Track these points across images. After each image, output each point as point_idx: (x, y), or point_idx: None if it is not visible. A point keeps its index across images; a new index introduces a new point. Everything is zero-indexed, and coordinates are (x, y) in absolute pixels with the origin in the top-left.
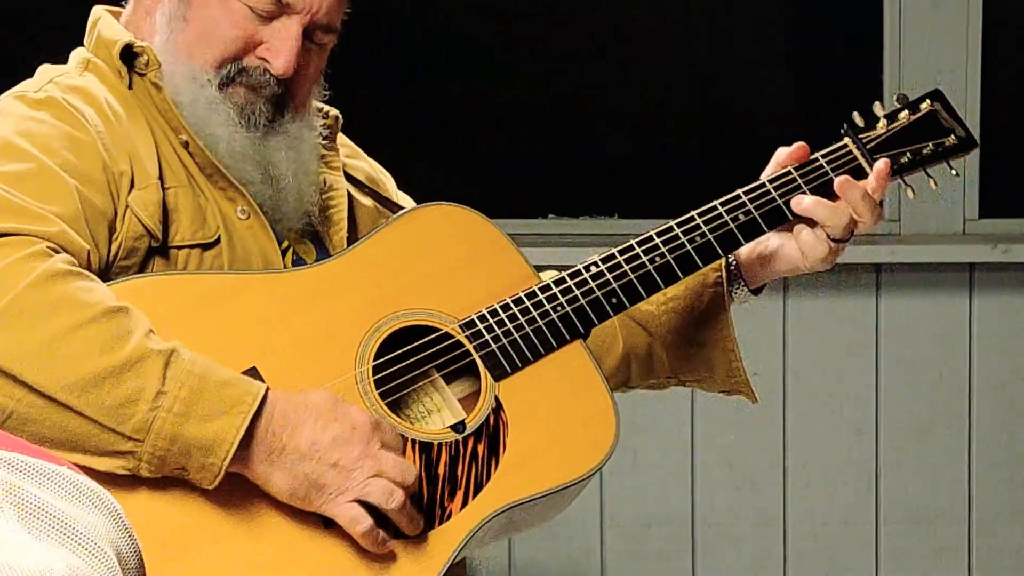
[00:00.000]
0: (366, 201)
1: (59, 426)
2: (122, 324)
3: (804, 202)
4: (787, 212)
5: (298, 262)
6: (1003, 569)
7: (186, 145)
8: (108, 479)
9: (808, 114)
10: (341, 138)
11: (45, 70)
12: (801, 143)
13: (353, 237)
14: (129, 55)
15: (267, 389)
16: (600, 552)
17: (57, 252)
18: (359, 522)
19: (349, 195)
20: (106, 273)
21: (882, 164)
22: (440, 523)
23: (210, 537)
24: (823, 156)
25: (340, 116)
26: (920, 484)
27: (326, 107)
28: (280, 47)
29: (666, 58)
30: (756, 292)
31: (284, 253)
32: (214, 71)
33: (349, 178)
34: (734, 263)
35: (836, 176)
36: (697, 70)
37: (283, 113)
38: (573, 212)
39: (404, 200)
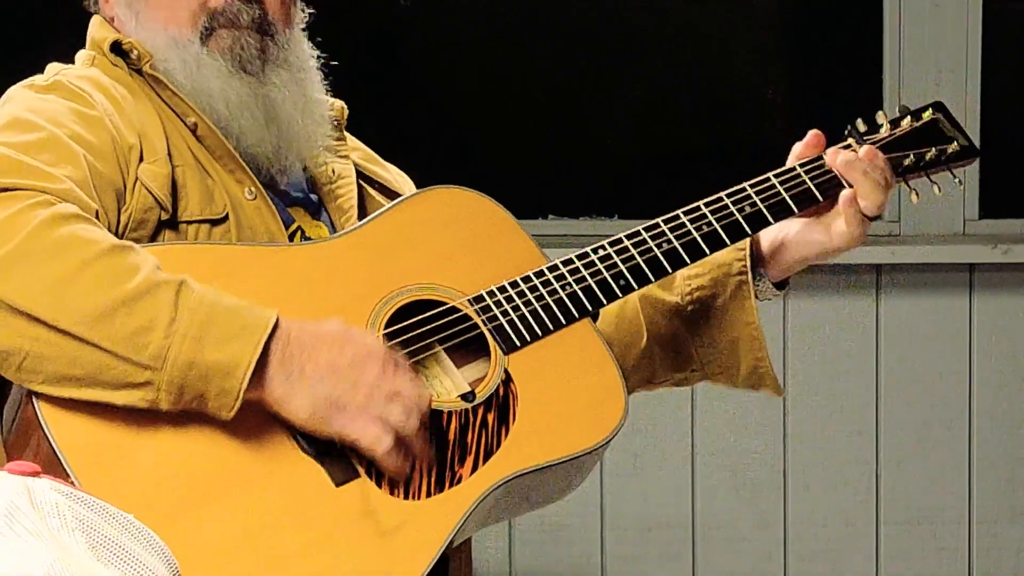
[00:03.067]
0: (378, 196)
1: (76, 361)
2: (129, 259)
3: (841, 159)
4: (816, 194)
5: (307, 241)
6: (1003, 569)
7: (195, 129)
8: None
9: (808, 114)
10: (356, 142)
11: (52, 66)
12: (816, 132)
13: None
14: (121, 53)
15: (278, 314)
16: (601, 556)
17: (63, 201)
18: (382, 441)
19: (360, 186)
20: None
21: (868, 149)
22: (451, 486)
23: (218, 493)
24: (827, 154)
25: (345, 107)
26: (920, 484)
27: (331, 99)
28: None
29: (666, 58)
30: (780, 287)
31: (292, 236)
32: (191, 29)
33: (361, 175)
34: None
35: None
36: (697, 70)
37: (272, 36)
38: (573, 212)
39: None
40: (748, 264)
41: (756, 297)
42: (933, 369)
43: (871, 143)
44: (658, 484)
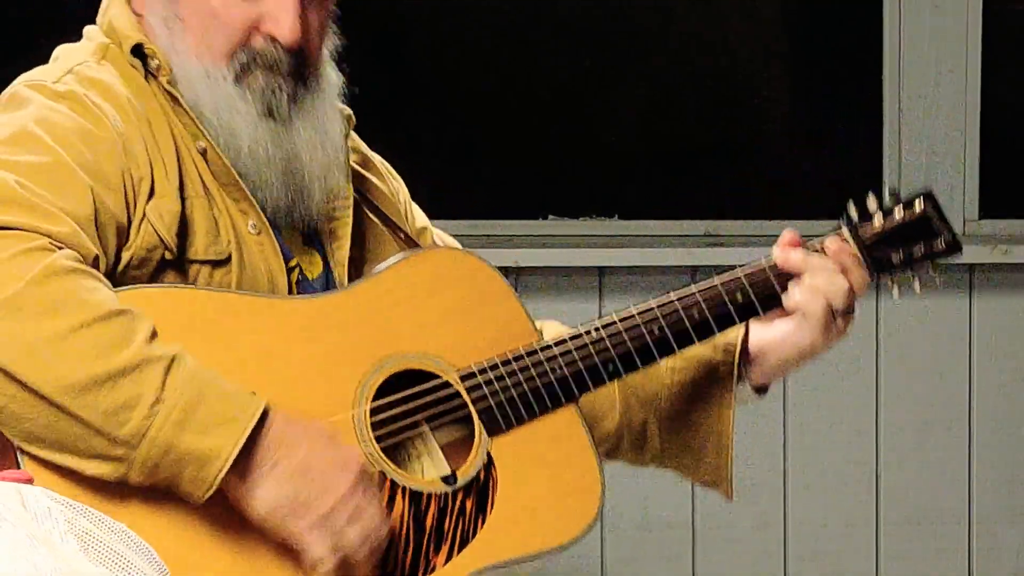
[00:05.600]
0: (374, 216)
1: (51, 426)
2: (124, 327)
3: (803, 281)
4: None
5: (303, 280)
6: (1003, 569)
7: (203, 152)
8: (93, 491)
9: (808, 114)
10: (356, 141)
11: (63, 54)
12: (792, 232)
13: (357, 254)
14: (140, 56)
15: (267, 406)
16: (600, 556)
17: (60, 248)
18: (325, 563)
19: (356, 206)
20: (116, 279)
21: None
22: (424, 575)
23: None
24: (819, 245)
25: (352, 116)
26: (920, 484)
27: (339, 105)
28: (279, 15)
29: (666, 58)
30: (760, 392)
31: (291, 271)
32: (226, 65)
33: (358, 191)
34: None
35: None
36: (698, 70)
37: (305, 83)
38: (573, 212)
39: (417, 214)
40: (735, 370)
41: (735, 397)
42: (933, 369)
43: (862, 236)
44: (658, 484)
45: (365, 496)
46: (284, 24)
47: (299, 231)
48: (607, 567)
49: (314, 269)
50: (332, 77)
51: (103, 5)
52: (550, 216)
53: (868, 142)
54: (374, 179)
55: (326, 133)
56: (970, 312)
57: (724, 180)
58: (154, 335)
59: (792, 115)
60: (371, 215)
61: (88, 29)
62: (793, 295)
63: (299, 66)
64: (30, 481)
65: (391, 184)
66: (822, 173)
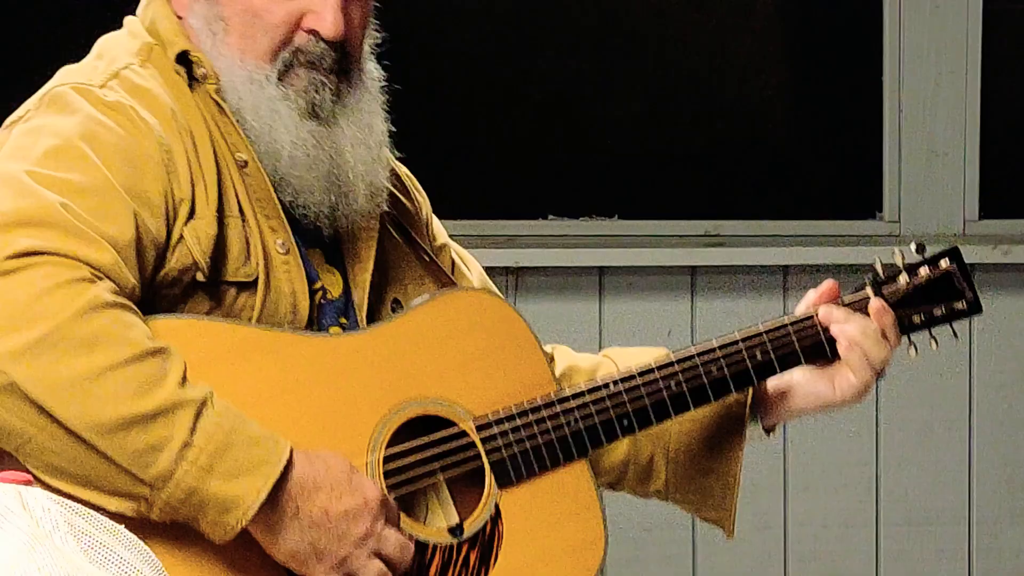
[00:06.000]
0: (396, 233)
1: (77, 461)
2: (158, 367)
3: (835, 314)
4: (826, 347)
5: (325, 302)
6: (1003, 570)
7: (243, 165)
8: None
9: (807, 114)
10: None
11: (107, 51)
12: (831, 283)
13: (378, 272)
14: (185, 61)
15: (292, 452)
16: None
17: (101, 279)
18: None
19: (380, 220)
20: (147, 297)
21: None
22: None
23: None
24: (846, 304)
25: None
26: (920, 485)
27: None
28: (321, 10)
29: (666, 58)
30: (768, 431)
31: (315, 292)
32: (269, 64)
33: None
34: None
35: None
36: (697, 70)
37: (348, 78)
38: (573, 212)
39: (438, 230)
40: (747, 413)
41: (745, 436)
42: (933, 369)
43: (888, 295)
44: None
45: (384, 530)
46: (326, 18)
47: (322, 248)
48: (607, 567)
49: (335, 289)
50: (374, 72)
51: (144, 2)
52: (550, 216)
53: (868, 142)
54: (398, 193)
55: (370, 129)
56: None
57: (724, 180)
58: (186, 376)
59: (792, 115)
60: (393, 231)
61: (130, 21)
62: (850, 356)
63: (342, 61)
64: (30, 482)
65: (415, 199)
66: (822, 173)
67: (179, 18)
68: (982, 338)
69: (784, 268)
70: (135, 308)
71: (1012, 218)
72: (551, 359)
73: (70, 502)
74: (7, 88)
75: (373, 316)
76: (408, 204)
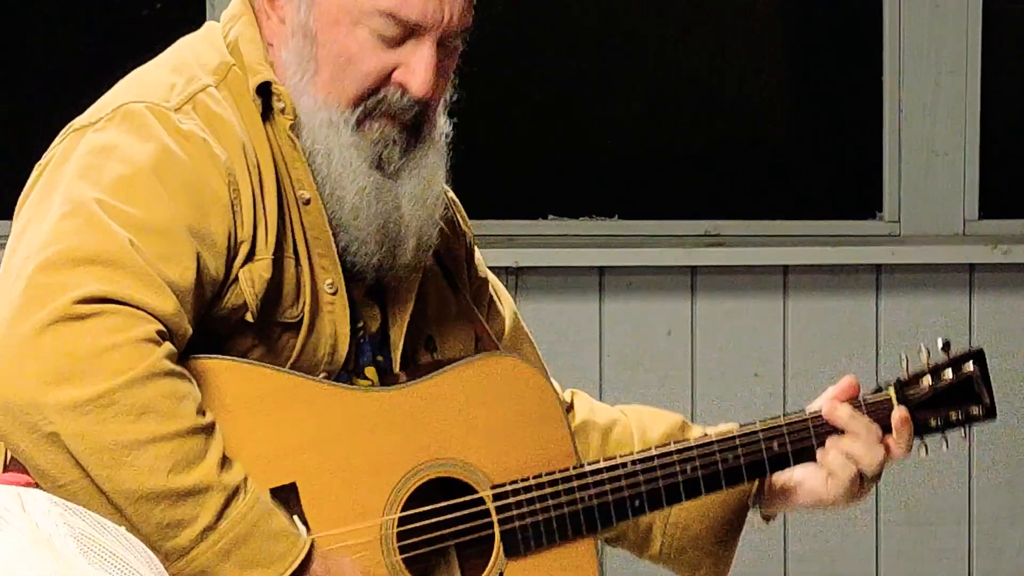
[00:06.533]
0: (438, 270)
1: (102, 514)
2: (199, 446)
3: (841, 444)
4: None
5: (363, 341)
6: (1003, 569)
7: (306, 203)
8: None
9: (807, 114)
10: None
11: (182, 63)
12: (851, 379)
13: (418, 311)
14: (265, 91)
15: (311, 551)
16: (600, 557)
17: (164, 339)
18: None
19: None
20: (195, 328)
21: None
22: None
23: None
24: (867, 403)
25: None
26: (920, 484)
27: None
28: (416, 69)
29: (666, 58)
30: (766, 519)
31: (357, 331)
32: (351, 109)
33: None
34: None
35: (892, 413)
36: (697, 70)
37: (419, 135)
38: (573, 212)
39: (478, 263)
40: (750, 504)
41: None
42: None
43: (909, 397)
44: None
45: None
46: (418, 76)
47: (364, 284)
48: (607, 566)
49: (373, 324)
50: (444, 127)
51: (231, 11)
52: (550, 216)
53: (868, 142)
54: (445, 227)
55: (429, 186)
56: (970, 312)
57: (724, 180)
58: (225, 457)
59: (792, 115)
60: (435, 265)
61: (211, 28)
62: (828, 455)
63: (419, 116)
64: (31, 484)
65: (460, 231)
66: (822, 173)
67: (269, 44)
68: (982, 338)
69: (784, 268)
70: (189, 377)
71: (1012, 218)
72: (569, 407)
73: (70, 504)
74: (7, 88)
75: (407, 351)
76: (454, 241)
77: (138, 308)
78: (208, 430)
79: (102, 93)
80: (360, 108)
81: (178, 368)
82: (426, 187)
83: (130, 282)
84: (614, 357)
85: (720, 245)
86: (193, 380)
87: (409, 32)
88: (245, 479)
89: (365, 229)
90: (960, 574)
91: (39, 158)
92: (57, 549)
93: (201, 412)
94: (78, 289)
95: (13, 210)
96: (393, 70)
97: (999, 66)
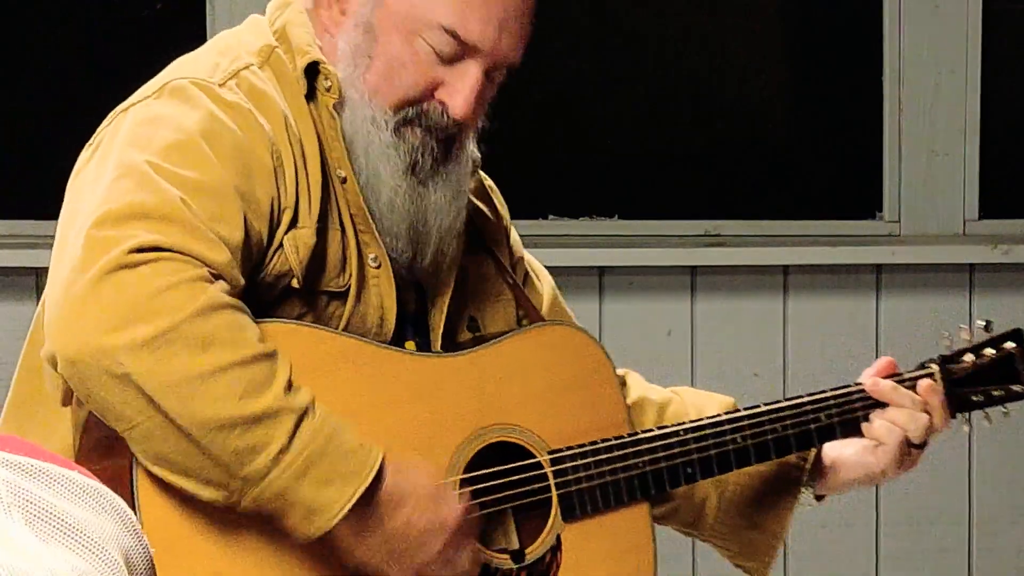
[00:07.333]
0: (479, 250)
1: (178, 451)
2: (266, 372)
3: (886, 414)
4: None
5: (402, 319)
6: (1003, 570)
7: (343, 181)
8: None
9: (807, 114)
10: (482, 178)
11: (226, 47)
12: (889, 359)
13: (458, 291)
14: (312, 72)
15: (383, 463)
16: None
17: (217, 279)
18: None
19: (463, 242)
20: (245, 298)
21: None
22: None
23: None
24: (908, 378)
25: (479, 158)
26: (920, 485)
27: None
28: (461, 90)
29: (666, 58)
30: (819, 499)
31: (402, 306)
32: (392, 113)
33: (468, 231)
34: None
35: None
36: (697, 70)
37: (450, 151)
38: (573, 212)
39: (515, 242)
40: (804, 479)
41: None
42: None
43: (954, 372)
44: None
45: (460, 548)
46: (460, 98)
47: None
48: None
49: (410, 305)
50: (473, 152)
51: (276, 3)
52: (550, 216)
53: (868, 142)
54: (484, 207)
55: (454, 202)
56: (970, 312)
57: (724, 180)
58: (291, 381)
59: (792, 115)
60: (477, 247)
61: (254, 19)
62: (873, 425)
63: (452, 137)
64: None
65: (498, 211)
66: (822, 173)
67: (328, 34)
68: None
69: (784, 268)
70: (247, 309)
71: (1012, 218)
72: (623, 383)
73: (26, 461)
74: (7, 88)
75: (449, 333)
76: (492, 219)
77: (190, 256)
78: (272, 356)
79: (102, 93)
80: (401, 113)
81: (236, 302)
82: (450, 201)
83: (182, 234)
84: (614, 357)
85: (720, 245)
86: (249, 311)
87: (463, 53)
88: (313, 400)
89: (399, 224)
90: (960, 574)
91: (39, 158)
92: (2, 528)
93: (262, 340)
94: (132, 240)
95: (13, 210)
96: (438, 86)
97: (999, 66)
